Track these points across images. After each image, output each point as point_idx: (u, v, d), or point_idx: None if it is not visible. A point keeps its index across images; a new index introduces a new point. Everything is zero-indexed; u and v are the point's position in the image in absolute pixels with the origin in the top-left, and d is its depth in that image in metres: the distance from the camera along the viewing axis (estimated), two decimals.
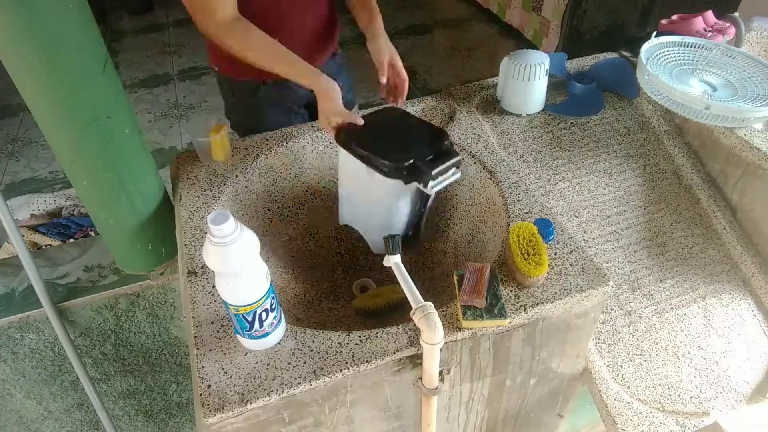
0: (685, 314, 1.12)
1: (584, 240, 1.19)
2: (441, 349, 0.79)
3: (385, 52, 1.19)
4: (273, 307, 0.80)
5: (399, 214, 1.04)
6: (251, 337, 0.80)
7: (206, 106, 3.32)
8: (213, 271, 0.75)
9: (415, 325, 0.79)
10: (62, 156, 1.08)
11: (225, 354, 0.82)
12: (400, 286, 0.82)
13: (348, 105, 1.13)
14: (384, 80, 1.19)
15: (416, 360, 0.84)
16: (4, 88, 3.07)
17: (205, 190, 1.12)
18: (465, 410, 1.02)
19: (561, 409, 1.17)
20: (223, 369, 0.81)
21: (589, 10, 3.04)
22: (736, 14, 1.43)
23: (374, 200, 1.04)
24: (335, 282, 1.22)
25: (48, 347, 1.36)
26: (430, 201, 1.04)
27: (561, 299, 0.89)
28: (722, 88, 1.26)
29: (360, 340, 0.84)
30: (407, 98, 1.32)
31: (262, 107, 1.36)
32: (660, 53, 1.32)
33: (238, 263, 0.72)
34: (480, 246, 1.12)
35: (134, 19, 4.45)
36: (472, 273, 0.87)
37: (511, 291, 0.90)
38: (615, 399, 0.99)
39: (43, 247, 1.80)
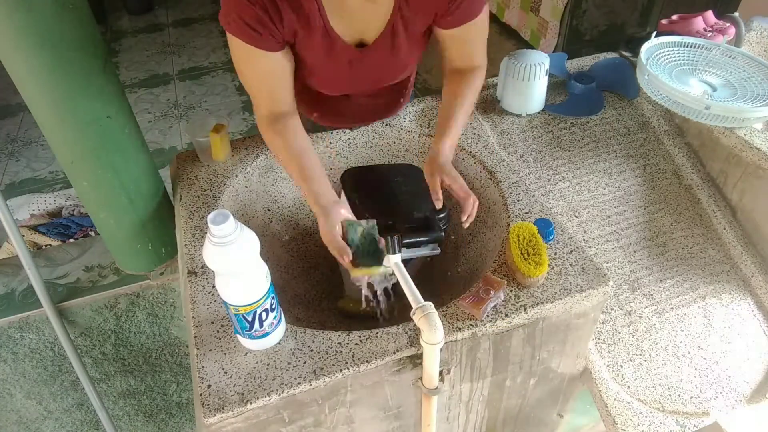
0: (685, 314, 1.12)
1: (584, 240, 1.19)
2: (441, 349, 0.79)
3: (435, 179, 0.97)
4: (273, 307, 0.80)
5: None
6: (251, 337, 0.80)
7: (206, 106, 3.32)
8: (213, 271, 0.75)
9: (415, 325, 0.79)
10: (62, 156, 1.08)
11: (225, 354, 0.82)
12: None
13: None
14: (439, 205, 0.99)
15: (416, 360, 0.84)
16: (4, 88, 3.07)
17: (205, 190, 1.12)
18: (465, 410, 1.02)
19: (561, 409, 1.17)
20: (223, 369, 0.81)
21: (589, 10, 3.03)
22: (736, 14, 1.43)
23: None
24: (335, 282, 1.22)
25: (48, 347, 1.36)
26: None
27: (561, 299, 0.89)
28: (722, 88, 1.26)
29: (360, 340, 0.84)
30: (409, 100, 1.31)
31: None
32: (660, 53, 1.32)
33: (238, 263, 0.72)
34: (480, 246, 1.12)
35: (134, 19, 4.45)
36: (484, 285, 0.88)
37: (511, 291, 0.90)
38: (615, 399, 0.99)
39: (43, 247, 1.80)
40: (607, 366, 1.04)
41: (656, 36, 1.36)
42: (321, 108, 1.19)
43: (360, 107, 1.19)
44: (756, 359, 1.07)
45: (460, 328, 0.85)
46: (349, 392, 0.84)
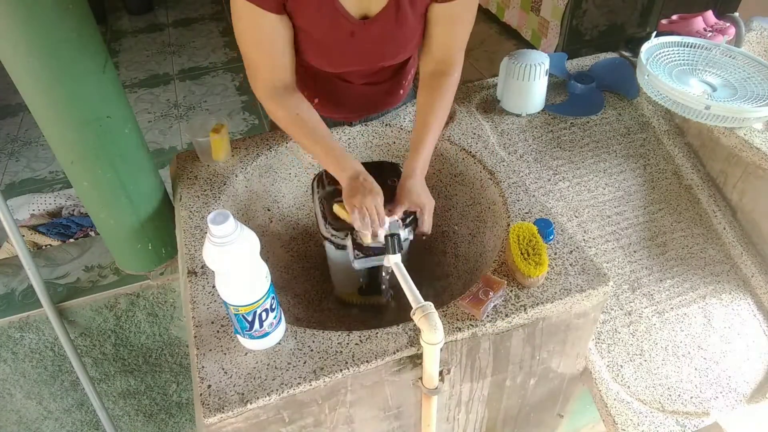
0: (685, 314, 1.12)
1: (584, 240, 1.19)
2: (441, 349, 0.79)
3: (411, 202, 0.95)
4: (273, 307, 0.80)
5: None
6: (251, 337, 0.80)
7: (206, 106, 3.32)
8: (213, 271, 0.75)
9: (415, 325, 0.79)
10: (62, 156, 1.08)
11: (225, 354, 0.82)
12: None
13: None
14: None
15: (416, 360, 0.84)
16: (4, 88, 3.07)
17: (205, 190, 1.12)
18: (465, 410, 1.02)
19: (561, 409, 1.17)
20: (223, 369, 0.81)
21: (589, 10, 3.04)
22: (736, 14, 1.43)
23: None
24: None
25: (48, 347, 1.36)
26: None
27: (561, 299, 0.89)
28: (722, 88, 1.26)
29: (360, 340, 0.84)
30: (408, 100, 1.32)
31: None
32: (660, 53, 1.32)
33: (238, 263, 0.72)
34: (480, 246, 1.12)
35: (134, 19, 4.45)
36: (484, 285, 0.88)
37: (511, 291, 0.90)
38: (615, 399, 0.99)
39: (43, 247, 1.80)
40: (607, 366, 1.04)
41: (656, 36, 1.36)
42: (321, 93, 1.18)
43: (360, 95, 1.18)
44: (756, 359, 1.07)
45: (460, 328, 0.85)
46: (349, 392, 0.84)
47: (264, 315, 0.78)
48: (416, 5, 0.98)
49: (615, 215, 1.24)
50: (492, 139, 1.24)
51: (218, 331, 0.86)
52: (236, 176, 1.15)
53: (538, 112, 1.39)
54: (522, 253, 0.89)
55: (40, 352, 1.36)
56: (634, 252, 1.19)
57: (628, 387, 1.01)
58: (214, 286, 0.92)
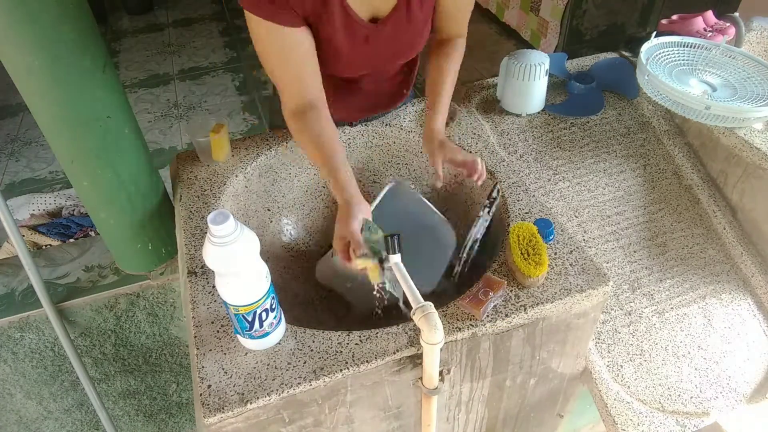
0: (685, 314, 1.12)
1: (584, 240, 1.19)
2: (441, 349, 0.79)
3: (438, 157, 1.04)
4: (273, 307, 0.80)
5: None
6: (251, 337, 0.80)
7: (206, 106, 3.32)
8: (213, 271, 0.75)
9: (415, 325, 0.79)
10: (62, 156, 1.08)
11: (225, 354, 0.82)
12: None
13: None
14: (439, 185, 1.07)
15: (416, 360, 0.84)
16: (4, 88, 3.07)
17: (205, 190, 1.12)
18: (465, 410, 1.02)
19: (561, 409, 1.17)
20: (223, 369, 0.81)
21: (589, 10, 3.04)
22: (736, 14, 1.43)
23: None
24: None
25: (48, 347, 1.36)
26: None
27: (561, 299, 0.89)
28: (722, 88, 1.26)
29: (360, 340, 0.84)
30: (408, 101, 1.32)
31: None
32: (660, 53, 1.32)
33: (238, 263, 0.72)
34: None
35: (134, 19, 4.45)
36: (484, 285, 0.88)
37: (511, 291, 0.90)
38: (615, 399, 0.99)
39: (43, 247, 1.80)
40: (607, 366, 1.04)
41: (656, 36, 1.36)
42: (328, 93, 1.16)
43: (367, 95, 1.18)
44: (756, 359, 1.07)
45: (460, 328, 0.85)
46: (349, 392, 0.84)
47: (264, 315, 0.78)
48: (425, 0, 0.99)
49: (615, 215, 1.24)
50: (492, 139, 1.24)
51: (218, 331, 0.86)
52: (236, 176, 1.15)
53: (538, 112, 1.39)
54: (522, 253, 0.89)
55: (40, 352, 1.36)
56: (634, 252, 1.19)
57: (628, 387, 1.01)
58: (214, 286, 0.92)
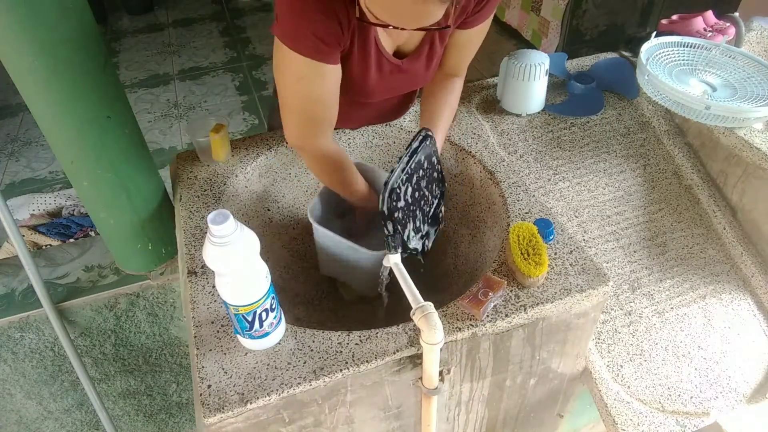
0: (685, 314, 1.12)
1: (584, 240, 1.19)
2: (441, 349, 0.79)
3: None
4: (273, 307, 0.80)
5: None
6: (251, 337, 0.80)
7: (206, 106, 3.32)
8: (213, 271, 0.75)
9: (415, 325, 0.79)
10: (62, 156, 1.08)
11: (225, 354, 0.82)
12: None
13: None
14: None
15: (416, 360, 0.84)
16: (4, 88, 3.06)
17: (205, 190, 1.12)
18: (465, 410, 1.02)
19: (561, 409, 1.17)
20: (223, 369, 0.81)
21: (589, 10, 3.04)
22: (736, 14, 1.43)
23: (357, 265, 1.06)
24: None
25: (48, 347, 1.36)
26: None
27: (561, 299, 0.89)
28: (722, 88, 1.26)
29: (360, 340, 0.84)
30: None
31: None
32: (660, 53, 1.32)
33: (238, 263, 0.72)
34: (480, 246, 1.12)
35: (134, 19, 4.45)
36: (484, 285, 0.88)
37: (511, 291, 0.90)
38: (615, 399, 0.99)
39: (43, 247, 1.80)
40: (607, 366, 1.04)
41: (656, 36, 1.36)
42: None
43: (373, 111, 1.19)
44: (756, 359, 1.07)
45: (460, 328, 0.85)
46: (349, 392, 0.84)
47: (264, 315, 0.78)
48: (444, 37, 0.99)
49: (615, 215, 1.24)
50: (492, 139, 1.24)
51: (218, 331, 0.86)
52: (236, 176, 1.15)
53: (538, 112, 1.39)
54: (522, 253, 0.89)
55: (40, 352, 1.36)
56: (634, 252, 1.19)
57: (628, 387, 1.01)
58: (214, 286, 0.92)
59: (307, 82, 0.88)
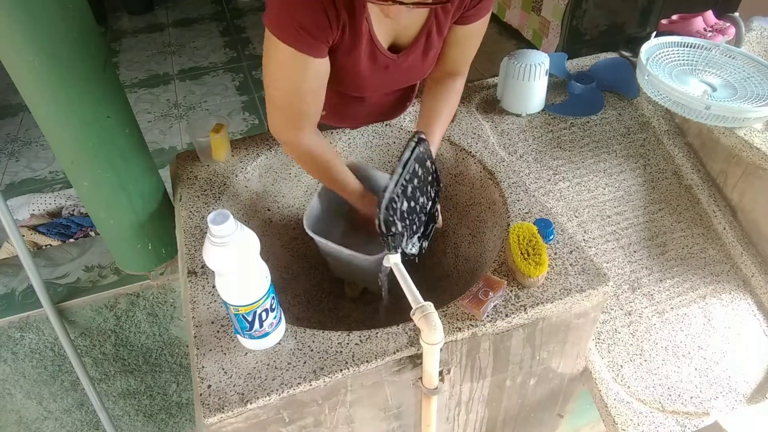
0: (685, 314, 1.12)
1: (584, 240, 1.19)
2: (441, 349, 0.79)
3: None
4: (273, 307, 0.80)
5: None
6: (251, 337, 0.80)
7: (206, 106, 3.32)
8: (213, 271, 0.75)
9: (415, 325, 0.79)
10: (62, 156, 1.08)
11: (225, 354, 0.82)
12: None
13: None
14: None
15: (416, 360, 0.84)
16: (4, 88, 3.06)
17: (205, 190, 1.12)
18: (465, 410, 1.02)
19: (561, 409, 1.17)
20: (223, 369, 0.81)
21: (589, 10, 3.04)
22: (736, 14, 1.43)
23: (360, 268, 1.06)
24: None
25: (48, 347, 1.36)
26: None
27: (561, 299, 0.89)
28: (722, 88, 1.26)
29: (360, 340, 0.84)
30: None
31: None
32: (660, 53, 1.32)
33: (238, 263, 0.72)
34: (480, 246, 1.12)
35: (134, 19, 4.45)
36: (484, 285, 0.88)
37: (511, 291, 0.90)
38: (615, 399, 0.99)
39: (43, 247, 1.81)
40: (607, 366, 1.04)
41: (656, 36, 1.36)
42: (331, 107, 1.16)
43: (371, 108, 1.18)
44: (756, 359, 1.07)
45: (460, 328, 0.85)
46: (349, 392, 0.84)
47: (264, 315, 0.78)
48: (442, 31, 0.98)
49: (615, 215, 1.24)
50: (492, 139, 1.24)
51: (218, 331, 0.86)
52: (236, 176, 1.15)
53: (538, 112, 1.39)
54: (522, 253, 0.89)
55: (40, 352, 1.36)
56: (634, 252, 1.19)
57: (628, 387, 1.01)
58: (214, 286, 0.92)
59: (290, 72, 0.88)
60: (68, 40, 0.93)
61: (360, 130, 1.25)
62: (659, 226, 1.23)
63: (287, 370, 0.80)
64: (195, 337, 0.85)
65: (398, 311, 1.01)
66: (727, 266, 1.20)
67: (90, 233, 1.93)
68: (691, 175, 1.30)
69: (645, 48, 1.31)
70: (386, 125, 1.26)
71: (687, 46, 1.35)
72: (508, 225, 1.01)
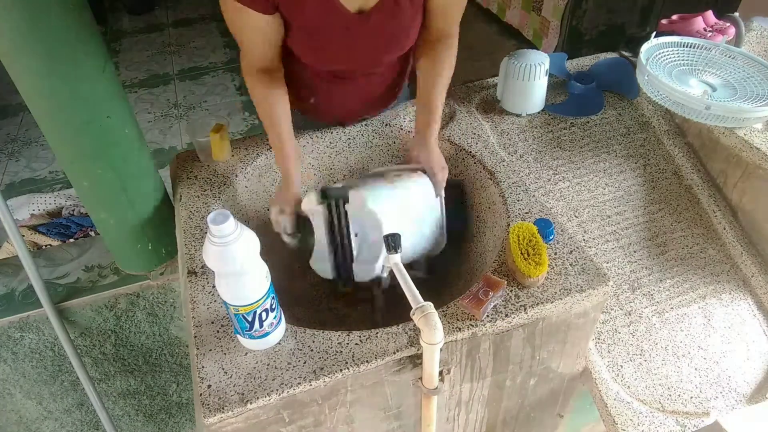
0: (685, 314, 1.12)
1: (584, 240, 1.19)
2: (441, 349, 0.79)
3: (436, 165, 1.06)
4: (273, 307, 0.80)
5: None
6: (251, 337, 0.80)
7: (206, 106, 3.32)
8: (213, 271, 0.75)
9: (415, 325, 0.79)
10: (62, 156, 1.08)
11: (225, 354, 0.82)
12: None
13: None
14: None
15: (416, 360, 0.84)
16: (4, 88, 3.06)
17: (205, 190, 1.12)
18: (465, 410, 1.02)
19: (561, 409, 1.17)
20: (223, 369, 0.81)
21: (589, 10, 3.03)
22: (736, 14, 1.43)
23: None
24: (335, 282, 1.22)
25: (48, 347, 1.36)
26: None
27: (561, 299, 0.89)
28: (722, 88, 1.26)
29: (360, 340, 0.84)
30: (404, 99, 1.32)
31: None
32: (660, 53, 1.32)
33: (238, 263, 0.72)
34: (480, 246, 1.12)
35: (134, 19, 4.44)
36: (484, 285, 0.88)
37: (511, 291, 0.90)
38: (615, 399, 0.99)
39: (43, 247, 1.81)
40: (607, 366, 1.04)
41: (656, 36, 1.36)
42: (319, 93, 1.16)
43: (356, 92, 1.16)
44: (756, 359, 1.07)
45: (460, 328, 0.85)
46: (349, 392, 0.84)
47: (264, 315, 0.78)
48: None
49: (615, 215, 1.24)
50: (492, 139, 1.24)
51: (218, 331, 0.86)
52: (236, 176, 1.15)
53: (538, 112, 1.39)
54: (522, 253, 0.89)
55: (40, 352, 1.36)
56: (634, 252, 1.19)
57: (628, 387, 1.01)
58: (214, 286, 0.92)
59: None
60: (68, 40, 0.93)
61: (360, 131, 1.25)
62: (659, 226, 1.23)
63: (287, 370, 0.80)
64: (195, 337, 0.85)
65: (398, 311, 1.01)
66: (727, 266, 1.20)
67: (90, 233, 1.93)
68: (691, 175, 1.30)
69: (645, 48, 1.31)
70: (386, 125, 1.26)
71: (687, 46, 1.35)
72: (508, 225, 1.01)
